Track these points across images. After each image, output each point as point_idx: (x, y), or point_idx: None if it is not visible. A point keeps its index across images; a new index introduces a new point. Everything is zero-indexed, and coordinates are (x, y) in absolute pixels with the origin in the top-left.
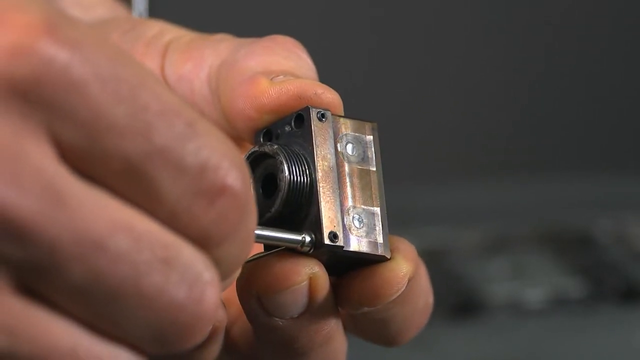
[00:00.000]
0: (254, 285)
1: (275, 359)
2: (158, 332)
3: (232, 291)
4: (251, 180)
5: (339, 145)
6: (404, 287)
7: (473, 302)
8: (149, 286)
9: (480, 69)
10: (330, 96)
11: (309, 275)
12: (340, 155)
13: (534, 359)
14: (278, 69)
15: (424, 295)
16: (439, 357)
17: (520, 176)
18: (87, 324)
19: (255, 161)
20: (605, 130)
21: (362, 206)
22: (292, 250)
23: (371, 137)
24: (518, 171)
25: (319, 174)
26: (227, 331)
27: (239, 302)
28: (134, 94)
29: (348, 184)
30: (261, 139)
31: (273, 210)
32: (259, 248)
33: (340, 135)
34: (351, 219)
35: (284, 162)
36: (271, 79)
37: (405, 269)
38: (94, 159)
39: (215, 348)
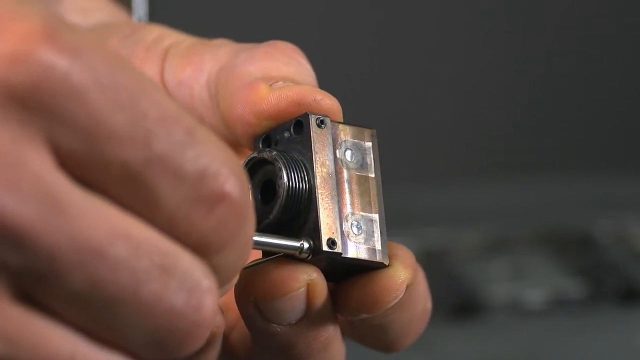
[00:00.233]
0: (252, 292)
1: None
2: (156, 339)
3: (230, 297)
4: (250, 187)
5: (338, 151)
6: (403, 294)
7: (473, 303)
8: (148, 293)
9: (480, 70)
10: (329, 102)
11: (306, 281)
12: (339, 162)
13: (534, 359)
14: (277, 74)
15: (423, 301)
16: (439, 357)
17: (520, 177)
18: (86, 331)
19: (254, 167)
20: (605, 131)
21: (361, 213)
22: (290, 257)
23: (370, 143)
24: (518, 172)
25: (318, 181)
26: (226, 337)
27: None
28: (134, 101)
29: (347, 190)
30: (260, 145)
31: (271, 216)
32: (257, 254)
33: (340, 141)
34: (349, 226)
35: (283, 169)
36: (270, 85)
37: (404, 276)
38: (93, 166)
39: (214, 354)
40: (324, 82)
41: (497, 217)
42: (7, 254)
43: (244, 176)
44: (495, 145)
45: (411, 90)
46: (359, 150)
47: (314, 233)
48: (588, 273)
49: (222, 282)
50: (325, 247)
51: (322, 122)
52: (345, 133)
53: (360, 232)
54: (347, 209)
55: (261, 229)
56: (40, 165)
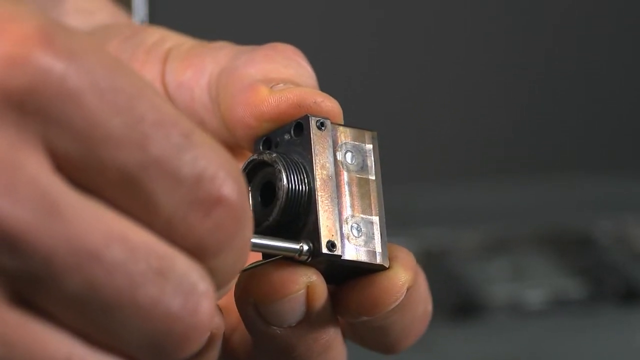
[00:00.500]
0: (252, 294)
1: None
2: (153, 342)
3: (231, 299)
4: (248, 190)
5: (338, 154)
6: (403, 296)
7: (473, 303)
8: (144, 297)
9: (480, 71)
10: (329, 104)
11: (306, 284)
12: (339, 164)
13: (534, 359)
14: (278, 77)
15: (423, 303)
16: (439, 357)
17: (521, 177)
18: (83, 335)
19: (254, 169)
20: (605, 132)
21: (361, 215)
22: (290, 259)
23: (371, 145)
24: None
25: (318, 183)
26: (227, 339)
27: None
28: (131, 105)
29: (347, 192)
30: (260, 147)
31: (271, 218)
32: (257, 256)
33: (340, 144)
34: (349, 228)
35: (283, 171)
36: (271, 87)
37: (404, 278)
38: (89, 169)
39: (213, 355)
40: (325, 84)
41: (497, 217)
42: (4, 258)
43: (241, 179)
44: (496, 145)
45: (411, 91)
46: (359, 152)
47: (314, 235)
48: (588, 273)
49: (219, 285)
50: (324, 250)
51: (322, 124)
52: (346, 135)
53: (360, 234)
54: (347, 212)
55: (260, 231)
56: (37, 168)
